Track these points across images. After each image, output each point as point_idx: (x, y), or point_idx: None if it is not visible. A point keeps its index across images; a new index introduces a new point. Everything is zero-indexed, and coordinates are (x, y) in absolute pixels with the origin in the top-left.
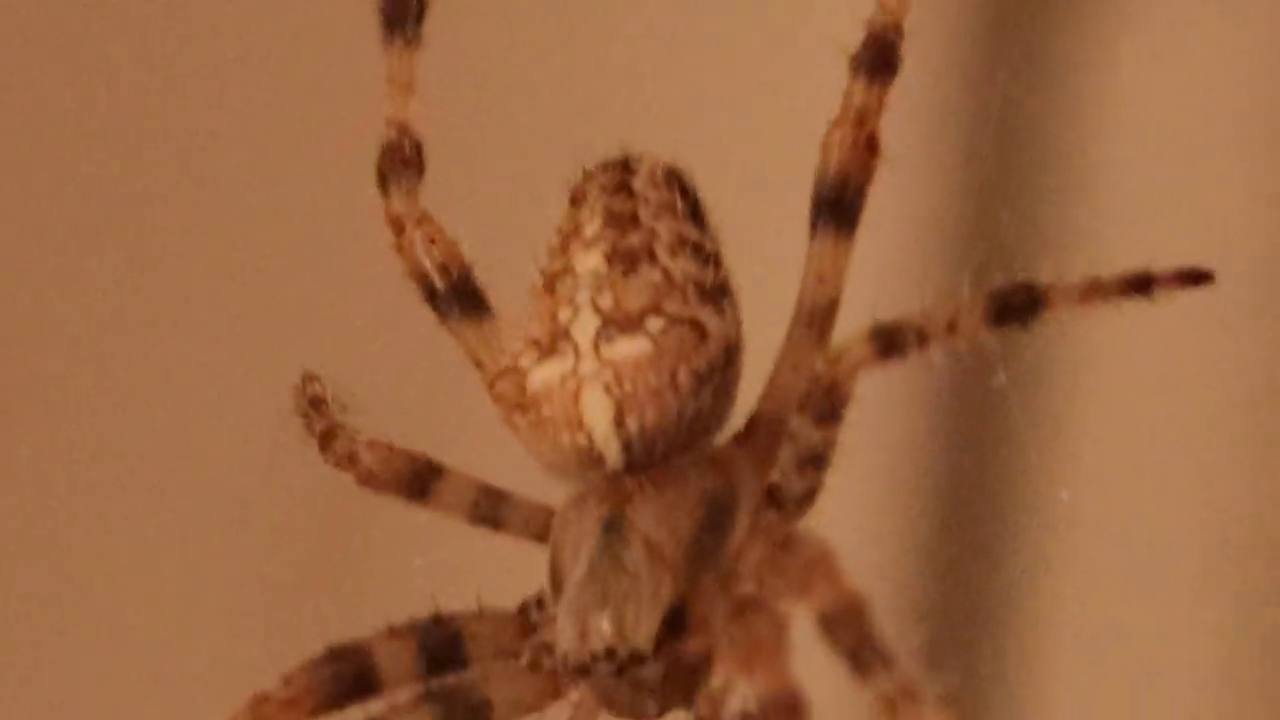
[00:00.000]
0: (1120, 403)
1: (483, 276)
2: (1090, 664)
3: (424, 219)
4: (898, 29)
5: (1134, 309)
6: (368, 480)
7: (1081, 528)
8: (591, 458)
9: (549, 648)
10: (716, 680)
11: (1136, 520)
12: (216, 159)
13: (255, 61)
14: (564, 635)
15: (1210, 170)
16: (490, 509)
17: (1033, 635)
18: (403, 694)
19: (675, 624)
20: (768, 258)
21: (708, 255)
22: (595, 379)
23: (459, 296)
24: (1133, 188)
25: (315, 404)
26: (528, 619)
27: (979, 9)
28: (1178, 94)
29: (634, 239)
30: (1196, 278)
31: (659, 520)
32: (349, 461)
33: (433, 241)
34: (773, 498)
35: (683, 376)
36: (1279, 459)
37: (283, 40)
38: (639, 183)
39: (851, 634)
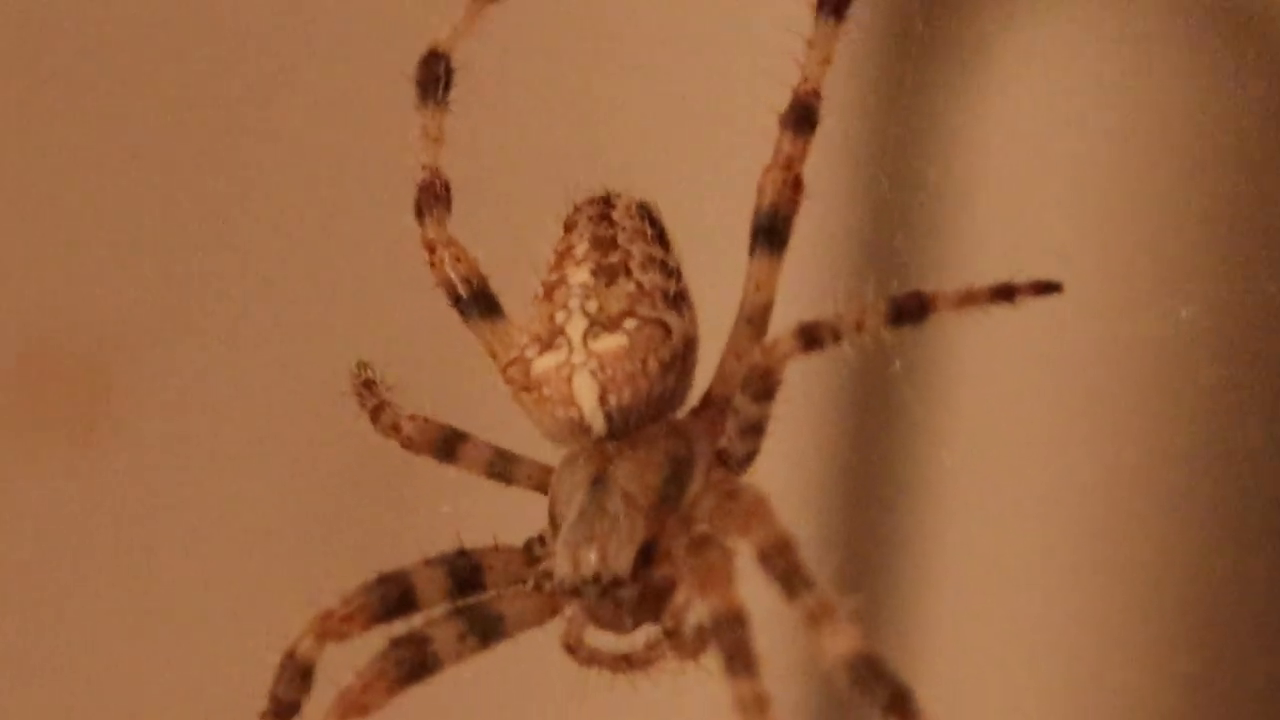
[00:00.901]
0: (990, 385)
1: (496, 286)
2: (967, 590)
3: (451, 242)
4: (816, 94)
5: (1001, 312)
6: (408, 445)
7: (959, 482)
8: (581, 428)
9: (549, 575)
10: (679, 599)
11: (1002, 476)
12: (295, 191)
13: (319, 115)
14: (560, 565)
15: (1060, 194)
16: (502, 467)
17: (922, 566)
18: (436, 611)
19: (647, 556)
20: (717, 271)
21: (671, 270)
22: (584, 367)
23: (478, 302)
24: (999, 212)
25: (367, 385)
26: (532, 553)
27: (875, 79)
28: (1033, 137)
29: (614, 258)
30: (1048, 288)
31: (634, 476)
32: (393, 430)
33: (458, 260)
34: (722, 458)
35: (652, 364)
36: (1113, 434)
37: (347, 90)
38: (617, 214)
39: (782, 564)
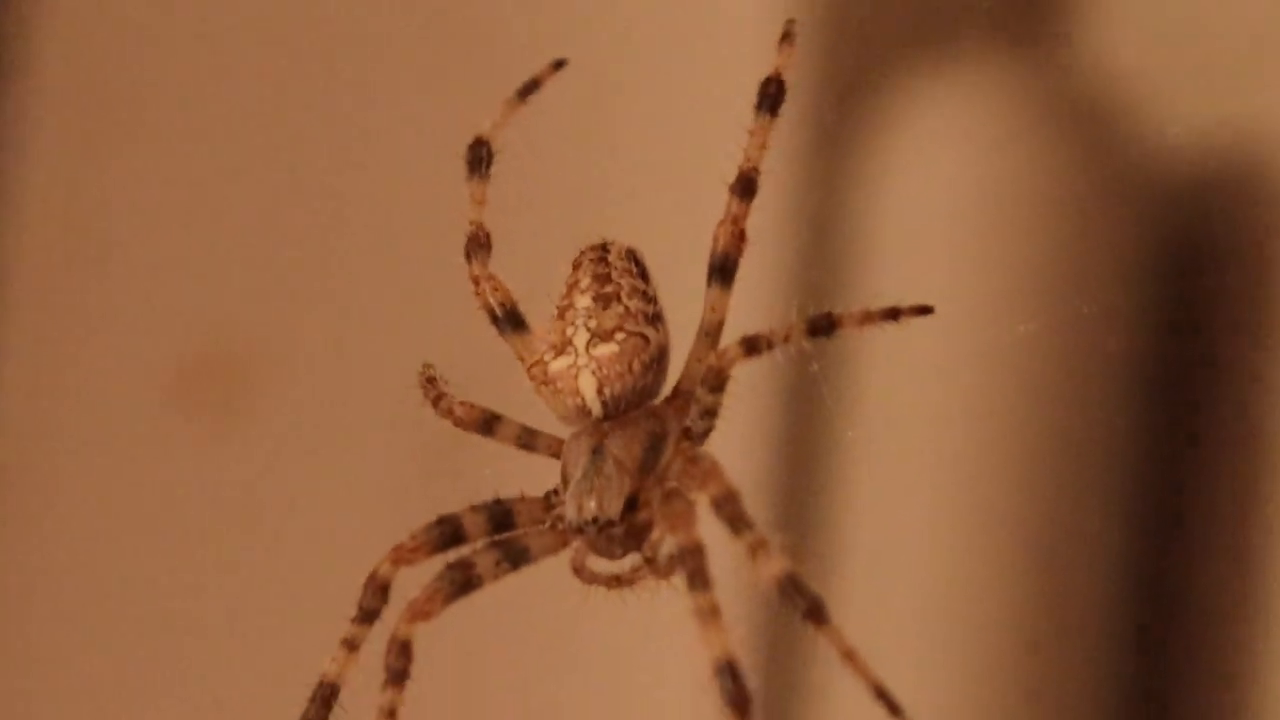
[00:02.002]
0: (884, 381)
1: (524, 309)
2: (867, 529)
3: (491, 277)
4: (756, 170)
5: (890, 328)
6: (459, 424)
7: (861, 452)
8: (584, 412)
9: (561, 518)
10: (655, 536)
11: (893, 448)
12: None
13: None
14: (569, 510)
15: (935, 241)
16: (527, 439)
17: (833, 513)
18: (479, 544)
19: (631, 504)
20: (684, 298)
21: (650, 298)
22: (587, 367)
23: (510, 320)
24: (891, 254)
25: (430, 381)
26: (549, 502)
27: (800, 154)
28: (917, 198)
29: (609, 289)
30: (923, 310)
31: (622, 446)
32: (448, 413)
33: (495, 290)
34: (687, 434)
35: (636, 366)
36: (974, 418)
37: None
38: (612, 256)
39: (729, 510)
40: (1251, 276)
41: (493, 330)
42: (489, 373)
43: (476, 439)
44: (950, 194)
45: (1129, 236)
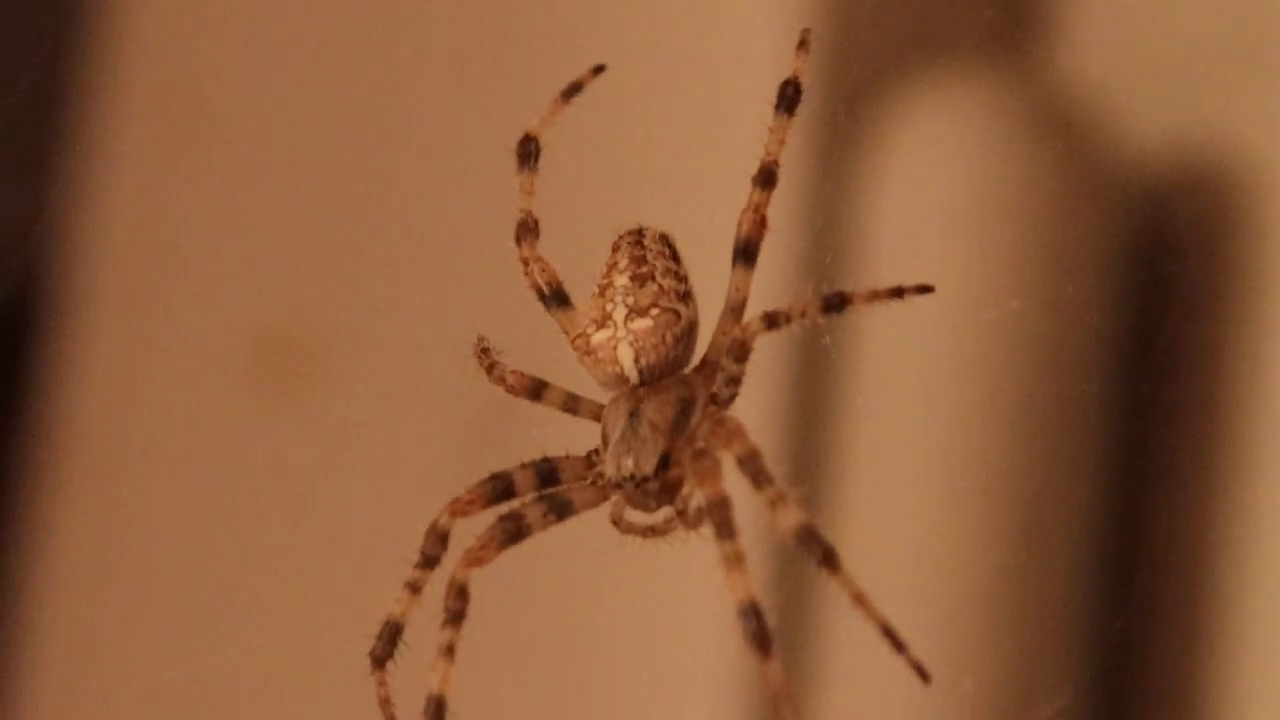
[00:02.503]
0: (888, 352)
1: (568, 287)
2: (873, 484)
3: (539, 259)
4: (775, 163)
5: (895, 305)
6: (510, 391)
7: (868, 416)
8: (622, 379)
9: (601, 474)
10: (685, 490)
11: (896, 412)
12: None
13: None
14: (608, 468)
15: (934, 228)
16: (572, 404)
17: (842, 469)
18: (528, 497)
19: (664, 462)
20: (712, 278)
21: (681, 277)
22: (624, 340)
23: (556, 298)
24: (896, 241)
25: (484, 351)
26: (591, 460)
27: (815, 151)
28: (919, 191)
29: (644, 269)
30: (924, 289)
31: (656, 410)
32: (501, 381)
33: (543, 270)
34: (714, 399)
35: (668, 338)
36: (967, 385)
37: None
38: (647, 240)
39: (752, 467)
40: (1210, 265)
41: (540, 307)
42: (537, 344)
43: (526, 404)
44: (948, 188)
45: (1106, 229)
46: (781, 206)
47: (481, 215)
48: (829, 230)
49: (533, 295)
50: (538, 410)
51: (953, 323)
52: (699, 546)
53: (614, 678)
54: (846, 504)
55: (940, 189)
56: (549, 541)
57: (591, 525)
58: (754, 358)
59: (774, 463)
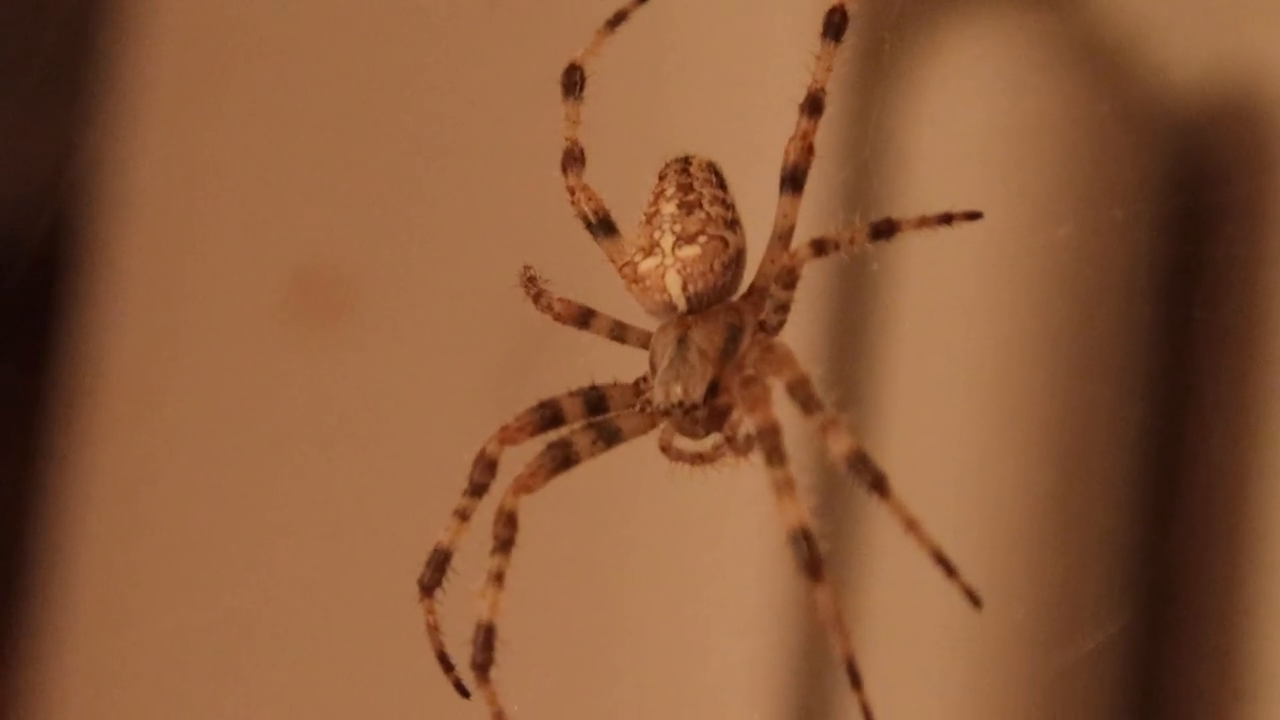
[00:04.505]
0: (935, 278)
1: (615, 215)
2: (917, 404)
3: (585, 188)
4: (823, 90)
5: (944, 232)
6: (558, 318)
7: (915, 341)
8: (671, 307)
9: (650, 401)
10: (735, 417)
11: (943, 337)
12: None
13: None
14: (657, 395)
15: (983, 155)
16: (619, 332)
17: (890, 392)
18: (576, 425)
19: (713, 389)
20: (760, 205)
21: (728, 205)
22: (672, 267)
23: (603, 226)
24: (944, 167)
25: (531, 280)
26: (639, 388)
27: (860, 79)
28: (966, 116)
29: (691, 197)
30: (973, 215)
31: (705, 338)
32: (548, 309)
33: (589, 199)
34: (762, 326)
35: (716, 266)
36: (1014, 309)
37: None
38: (694, 168)
39: (802, 393)
40: (1248, 189)
41: (587, 235)
42: (585, 273)
43: (574, 332)
44: (992, 117)
45: (1149, 158)
46: (828, 135)
47: (526, 145)
48: (876, 158)
49: (579, 224)
50: (585, 338)
51: (1002, 249)
52: (747, 473)
53: (660, 606)
54: (892, 431)
55: (985, 118)
56: (595, 468)
57: (639, 453)
58: (802, 284)
59: (822, 387)
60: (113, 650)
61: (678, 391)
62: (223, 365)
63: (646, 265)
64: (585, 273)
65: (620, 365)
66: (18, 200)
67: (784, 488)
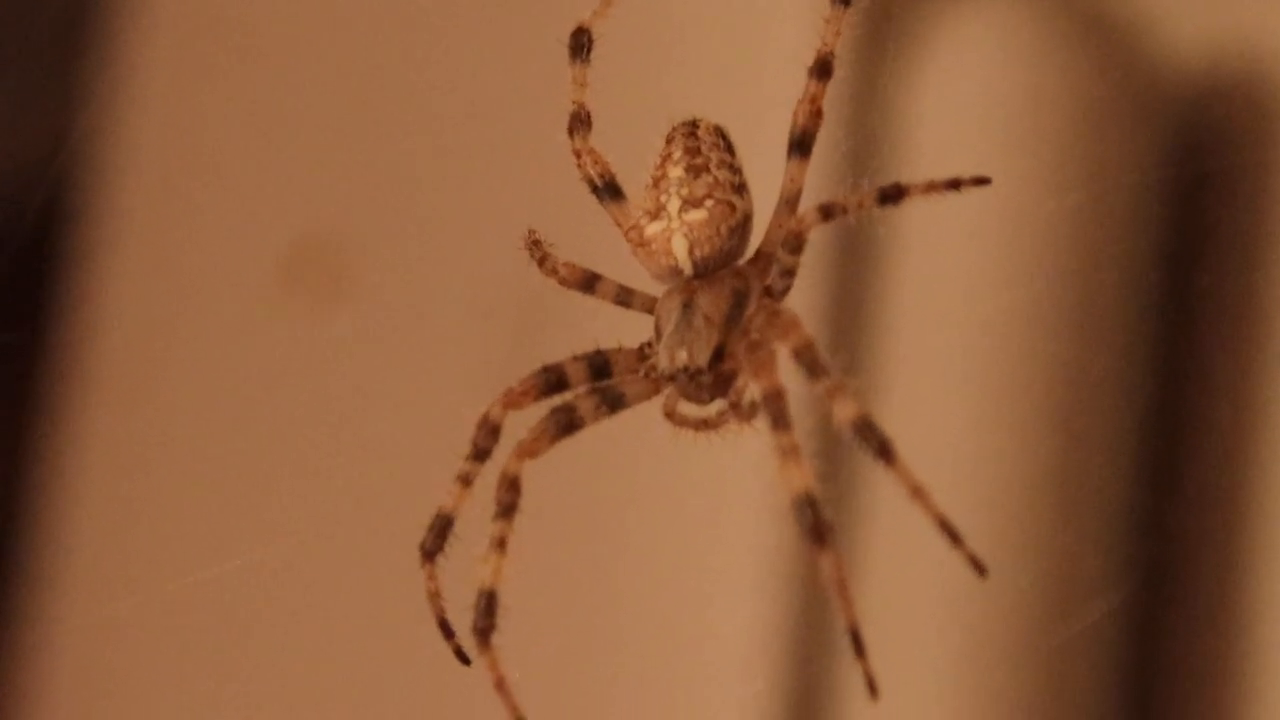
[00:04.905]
0: (942, 241)
1: (621, 179)
2: (921, 363)
3: (591, 151)
4: (831, 54)
5: (952, 197)
6: (563, 283)
7: (918, 302)
8: (676, 271)
9: (654, 367)
10: (740, 383)
11: (946, 298)
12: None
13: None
14: (662, 360)
15: (991, 123)
16: (625, 297)
17: (894, 352)
18: (580, 389)
19: (718, 355)
20: (767, 170)
21: (735, 169)
22: (679, 231)
23: (609, 190)
24: (952, 135)
25: (536, 244)
26: (644, 352)
27: (870, 48)
28: (973, 88)
29: (698, 160)
30: (981, 181)
31: (710, 302)
32: (553, 272)
33: (595, 162)
34: (768, 291)
35: (723, 230)
36: (1021, 272)
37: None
38: (701, 132)
39: (808, 358)
40: (1248, 158)
41: (593, 199)
42: (590, 236)
43: (579, 296)
44: (1002, 85)
45: (1151, 130)
46: (835, 101)
47: (531, 108)
48: (884, 125)
49: (585, 187)
50: (590, 303)
51: (1009, 214)
52: (751, 439)
53: (663, 573)
54: (895, 399)
55: (993, 86)
56: (598, 434)
57: (643, 418)
58: (808, 249)
59: (828, 352)
60: (105, 629)
61: (683, 356)
62: (223, 336)
63: (653, 229)
64: (590, 237)
65: (625, 331)
66: (14, 172)
67: (789, 453)
